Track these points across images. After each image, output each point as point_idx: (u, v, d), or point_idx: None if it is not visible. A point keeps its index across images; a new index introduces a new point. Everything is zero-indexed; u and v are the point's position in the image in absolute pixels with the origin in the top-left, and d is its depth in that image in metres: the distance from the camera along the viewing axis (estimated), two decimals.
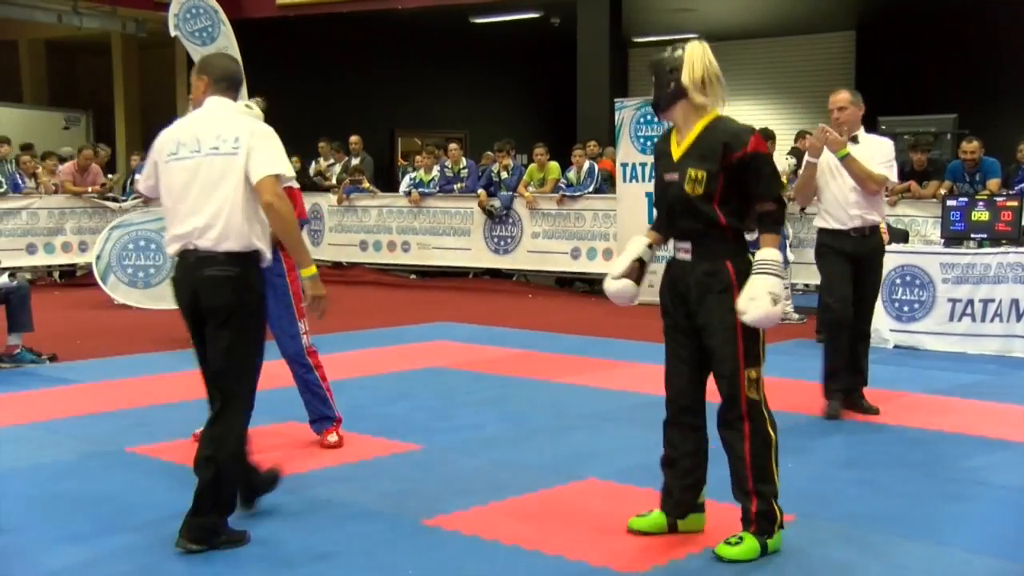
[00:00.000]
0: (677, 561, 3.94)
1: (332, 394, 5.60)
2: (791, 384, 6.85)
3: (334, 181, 15.10)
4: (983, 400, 6.78)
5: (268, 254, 4.17)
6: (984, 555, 4.04)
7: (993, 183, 10.22)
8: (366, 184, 14.62)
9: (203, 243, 4.02)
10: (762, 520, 3.95)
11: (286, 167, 4.13)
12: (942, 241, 8.86)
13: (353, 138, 15.20)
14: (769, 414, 3.98)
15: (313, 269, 4.21)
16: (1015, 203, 8.48)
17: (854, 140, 6.14)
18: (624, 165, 11.98)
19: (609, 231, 12.47)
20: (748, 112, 18.65)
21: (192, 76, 4.43)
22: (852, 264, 6.22)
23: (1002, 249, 8.41)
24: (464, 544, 4.12)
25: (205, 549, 3.98)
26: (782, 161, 11.26)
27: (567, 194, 12.93)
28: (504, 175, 13.57)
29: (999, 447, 5.65)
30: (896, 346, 8.71)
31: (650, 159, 11.14)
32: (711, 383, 4.05)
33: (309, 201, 14.14)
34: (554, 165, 13.36)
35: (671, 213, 4.06)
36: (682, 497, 4.14)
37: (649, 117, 11.31)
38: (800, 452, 5.29)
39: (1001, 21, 16.76)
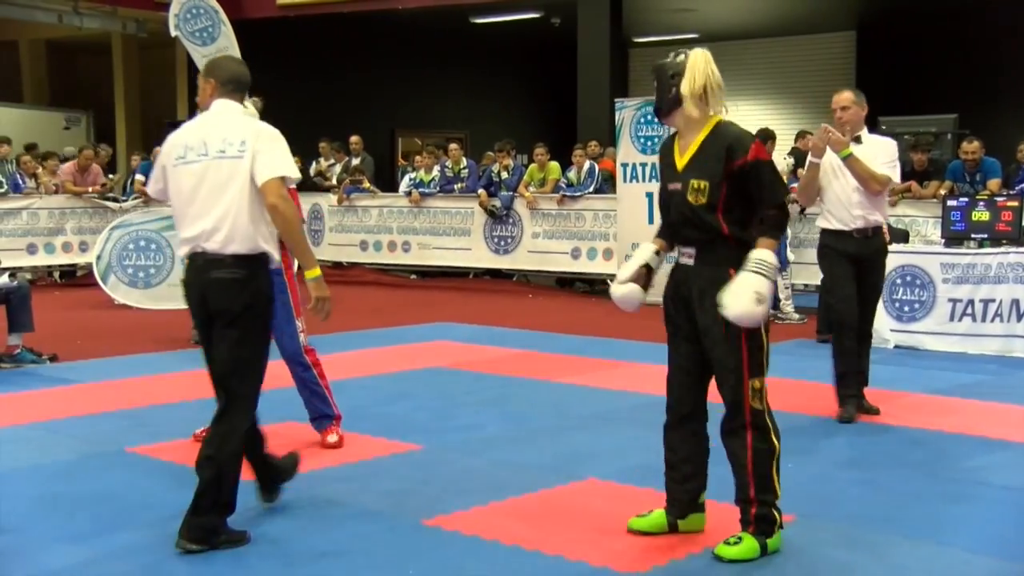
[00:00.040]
0: (677, 561, 3.94)
1: (331, 392, 5.61)
2: (791, 384, 6.84)
3: (334, 181, 15.08)
4: (983, 400, 6.78)
5: (276, 256, 4.18)
6: (984, 555, 4.04)
7: (993, 183, 10.22)
8: (366, 184, 14.61)
9: (210, 246, 4.05)
10: (761, 522, 3.96)
11: (291, 169, 4.16)
12: (942, 241, 8.86)
13: (353, 138, 15.19)
14: (773, 423, 3.98)
15: (317, 271, 4.22)
16: (1015, 203, 8.48)
17: (857, 140, 6.12)
18: (624, 165, 11.97)
19: (609, 231, 12.46)
20: (748, 112, 18.62)
21: (199, 79, 4.44)
22: (854, 265, 6.19)
23: (1002, 249, 8.41)
24: (464, 544, 4.11)
25: (204, 549, 3.99)
26: (781, 161, 11.27)
27: (567, 194, 12.92)
28: (504, 175, 13.56)
29: (999, 447, 5.64)
30: (896, 346, 8.71)
31: (651, 159, 11.17)
32: (712, 385, 4.05)
33: (310, 201, 14.15)
34: (554, 165, 13.36)
35: (675, 222, 4.07)
36: (683, 499, 4.14)
37: (649, 117, 11.30)
38: (800, 452, 5.28)
39: (1001, 21, 16.76)
